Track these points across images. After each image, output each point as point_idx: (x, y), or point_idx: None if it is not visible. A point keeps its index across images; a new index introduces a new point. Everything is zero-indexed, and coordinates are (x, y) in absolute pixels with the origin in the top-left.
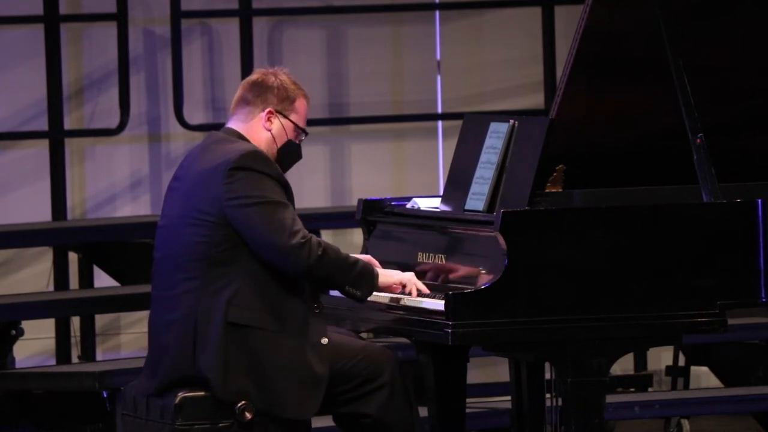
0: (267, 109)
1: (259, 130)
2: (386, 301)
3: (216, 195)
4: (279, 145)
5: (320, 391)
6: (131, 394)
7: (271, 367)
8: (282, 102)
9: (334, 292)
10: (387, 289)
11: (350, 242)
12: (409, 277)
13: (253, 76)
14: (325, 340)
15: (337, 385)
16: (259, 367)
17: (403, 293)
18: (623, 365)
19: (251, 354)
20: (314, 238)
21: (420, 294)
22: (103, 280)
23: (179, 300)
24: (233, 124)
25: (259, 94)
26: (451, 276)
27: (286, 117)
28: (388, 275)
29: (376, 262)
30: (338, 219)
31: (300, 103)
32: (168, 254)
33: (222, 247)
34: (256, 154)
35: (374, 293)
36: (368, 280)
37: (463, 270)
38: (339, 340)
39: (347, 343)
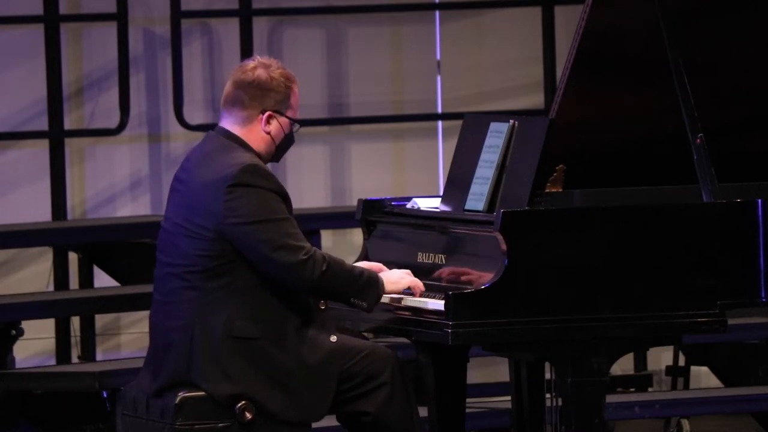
0: (266, 113)
1: (258, 132)
2: (387, 301)
3: (214, 211)
4: (277, 143)
5: (330, 393)
6: (131, 394)
7: (280, 373)
8: (279, 103)
9: None
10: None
11: (350, 242)
12: (415, 281)
13: (246, 76)
14: (333, 338)
15: (338, 383)
16: (267, 375)
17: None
18: (623, 365)
19: (258, 364)
20: (318, 252)
21: (422, 294)
22: (103, 280)
23: (179, 308)
24: (229, 125)
25: (255, 97)
26: (451, 276)
27: (283, 115)
28: (393, 282)
29: (380, 267)
30: (338, 219)
31: (294, 97)
32: (168, 262)
33: (221, 261)
34: (254, 169)
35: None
36: (374, 290)
37: (462, 270)
38: (340, 338)
39: (348, 342)
